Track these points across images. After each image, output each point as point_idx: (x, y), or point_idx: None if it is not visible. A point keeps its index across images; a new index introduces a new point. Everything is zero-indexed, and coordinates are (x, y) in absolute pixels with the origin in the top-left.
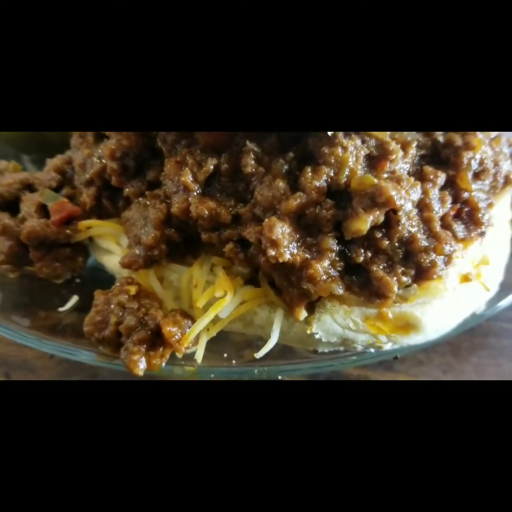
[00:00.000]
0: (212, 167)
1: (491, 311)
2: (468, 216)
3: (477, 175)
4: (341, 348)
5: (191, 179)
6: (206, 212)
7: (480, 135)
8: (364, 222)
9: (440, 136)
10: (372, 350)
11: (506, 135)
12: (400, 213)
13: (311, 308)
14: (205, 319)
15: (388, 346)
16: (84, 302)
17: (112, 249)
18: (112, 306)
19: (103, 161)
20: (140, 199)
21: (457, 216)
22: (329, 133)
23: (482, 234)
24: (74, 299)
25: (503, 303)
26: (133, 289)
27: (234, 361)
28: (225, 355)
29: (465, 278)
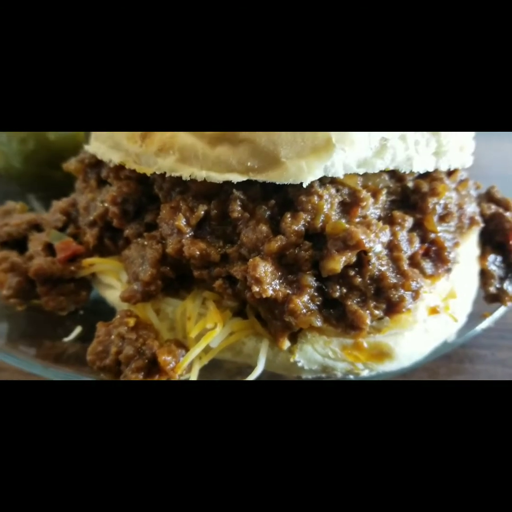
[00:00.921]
0: (203, 212)
1: (462, 340)
2: (436, 254)
3: (442, 218)
4: (323, 375)
5: (184, 223)
6: (198, 252)
7: (446, 180)
8: (338, 262)
9: (410, 182)
10: (351, 376)
11: (473, 179)
12: (370, 254)
13: (293, 339)
14: (197, 348)
15: (365, 373)
16: (87, 332)
17: (113, 284)
18: (113, 337)
19: (106, 205)
20: (139, 239)
21: (426, 254)
22: (304, 184)
23: (448, 270)
24: (78, 329)
25: (473, 331)
26: (132, 321)
27: None
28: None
29: (434, 311)
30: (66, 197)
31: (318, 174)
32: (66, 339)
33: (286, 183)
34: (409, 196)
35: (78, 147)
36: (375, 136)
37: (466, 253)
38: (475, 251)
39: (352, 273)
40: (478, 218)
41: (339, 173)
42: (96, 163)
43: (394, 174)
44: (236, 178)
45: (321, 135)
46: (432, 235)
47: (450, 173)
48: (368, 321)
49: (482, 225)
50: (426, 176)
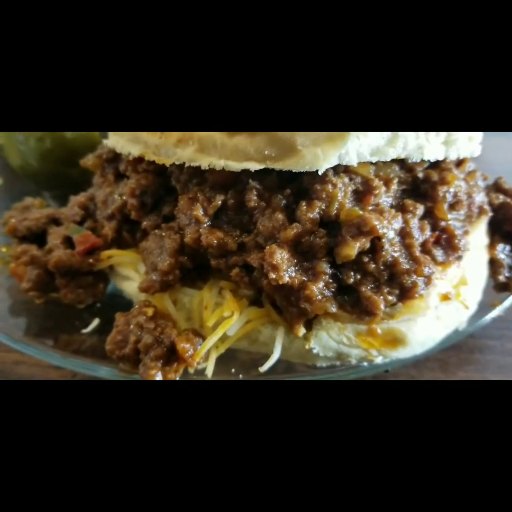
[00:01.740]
0: (220, 202)
1: (473, 328)
2: (446, 242)
3: (452, 206)
4: (338, 363)
5: (202, 213)
6: (215, 242)
7: (455, 171)
8: (352, 248)
9: (420, 173)
10: (365, 363)
11: (481, 170)
12: (383, 240)
13: (309, 325)
14: (215, 336)
15: (379, 360)
16: (104, 324)
17: (131, 276)
18: (132, 326)
19: (124, 198)
20: (156, 231)
21: (437, 242)
22: (320, 171)
23: (459, 258)
24: (95, 322)
25: (483, 320)
26: (150, 311)
27: (241, 376)
28: (233, 370)
29: (445, 297)
30: (83, 192)
31: (333, 161)
32: (84, 331)
33: (302, 170)
34: (419, 185)
35: (94, 145)
36: None
37: (476, 242)
38: (484, 240)
39: (365, 259)
40: (486, 207)
41: (353, 161)
42: (114, 158)
43: (404, 165)
44: (254, 166)
45: None
46: (443, 223)
47: (459, 163)
48: (381, 306)
49: (490, 214)
50: (435, 166)
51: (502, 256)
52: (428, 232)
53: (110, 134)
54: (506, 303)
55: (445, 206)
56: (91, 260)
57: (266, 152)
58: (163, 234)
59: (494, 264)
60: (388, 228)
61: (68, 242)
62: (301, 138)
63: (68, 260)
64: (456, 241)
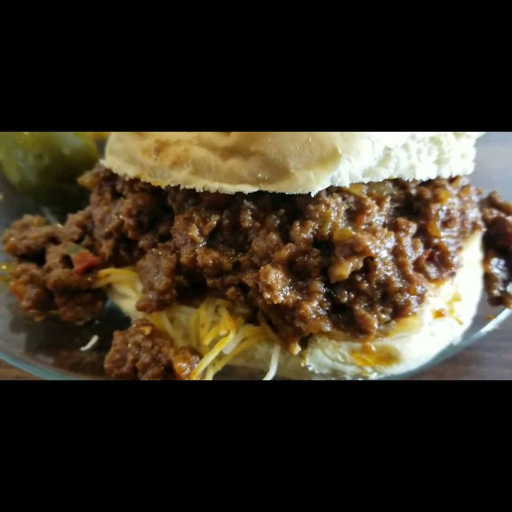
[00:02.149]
0: (215, 222)
1: (467, 342)
2: (439, 259)
3: (445, 223)
4: (333, 379)
5: (197, 233)
6: (211, 261)
7: (448, 187)
8: (345, 268)
9: (412, 189)
10: (360, 380)
11: (474, 185)
12: (376, 260)
13: (304, 344)
14: (211, 355)
15: (373, 376)
16: (102, 341)
17: (128, 294)
18: (129, 345)
19: (121, 217)
20: (153, 250)
21: (430, 259)
22: (312, 194)
23: (452, 274)
24: (94, 339)
25: (478, 334)
26: (147, 330)
27: None
28: None
29: (439, 314)
30: (81, 210)
31: (325, 184)
32: (83, 349)
33: (295, 193)
34: (412, 203)
35: (93, 162)
36: (379, 146)
37: (470, 257)
38: (478, 255)
39: (359, 278)
40: (480, 222)
41: (345, 183)
42: (111, 177)
43: (398, 182)
44: (248, 189)
45: (328, 146)
46: (436, 240)
47: (452, 180)
48: (375, 325)
49: (484, 229)
50: (428, 183)
51: (496, 270)
52: (421, 250)
53: (107, 153)
54: (501, 317)
55: (438, 223)
56: (89, 279)
57: (259, 175)
58: (160, 253)
59: (488, 279)
60: (381, 247)
61: (67, 260)
62: (293, 161)
63: (66, 279)
64: (449, 258)
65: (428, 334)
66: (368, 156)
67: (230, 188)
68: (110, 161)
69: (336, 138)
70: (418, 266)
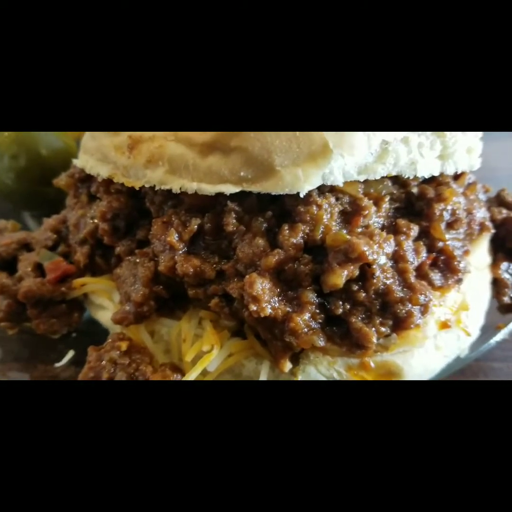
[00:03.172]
0: (196, 226)
1: (475, 354)
2: (444, 264)
3: (450, 225)
4: None
5: (177, 238)
6: (191, 270)
7: (453, 185)
8: (340, 276)
9: (414, 188)
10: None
11: (481, 182)
12: (374, 267)
13: (295, 360)
14: (194, 373)
15: None
16: (80, 355)
17: (105, 305)
18: (104, 362)
19: (95, 221)
20: (130, 257)
21: (434, 264)
22: (301, 194)
23: (459, 281)
24: (70, 353)
25: (487, 345)
26: (124, 345)
27: None
28: None
29: (444, 325)
30: (56, 215)
31: (315, 182)
32: (58, 365)
33: (282, 193)
34: (413, 202)
35: (71, 163)
36: (376, 140)
37: (477, 262)
38: (487, 259)
39: (355, 287)
40: (488, 223)
41: (338, 181)
42: (87, 178)
43: (397, 180)
44: (229, 189)
45: (318, 140)
46: (440, 244)
47: (457, 176)
48: (374, 339)
49: (493, 231)
50: (431, 180)
51: (506, 275)
52: (424, 254)
53: (80, 153)
54: (511, 326)
55: (443, 225)
56: (63, 289)
57: (242, 174)
58: (137, 260)
59: (497, 284)
60: (379, 253)
61: (40, 269)
62: (279, 157)
63: (38, 290)
64: (455, 262)
65: (433, 347)
66: (364, 151)
67: (209, 189)
68: (83, 161)
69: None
70: (420, 273)
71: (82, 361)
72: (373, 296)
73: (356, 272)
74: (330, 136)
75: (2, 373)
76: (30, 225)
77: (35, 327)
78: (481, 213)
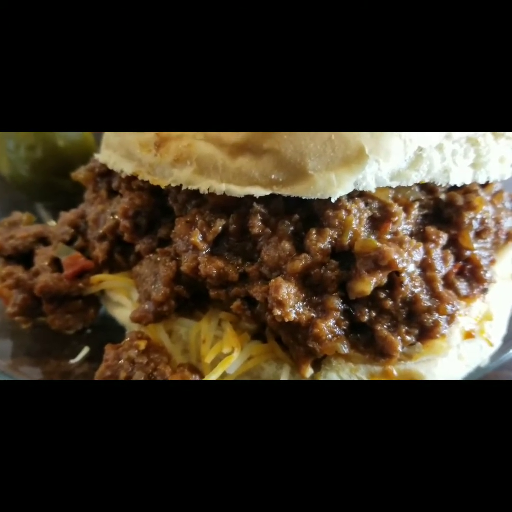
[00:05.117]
0: (220, 227)
1: (496, 364)
2: (471, 273)
3: (478, 234)
4: None
5: (200, 239)
6: (214, 271)
7: (481, 193)
8: (368, 284)
9: (442, 194)
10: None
11: (508, 190)
12: (403, 275)
13: (317, 365)
14: (213, 375)
15: None
16: (94, 351)
17: (123, 303)
18: (122, 361)
19: (116, 217)
20: (151, 255)
21: (460, 273)
22: (333, 199)
23: (484, 290)
24: (85, 350)
25: (508, 355)
26: (142, 344)
27: None
28: None
29: (468, 335)
30: (75, 208)
31: (348, 188)
32: (72, 361)
33: (313, 197)
34: (442, 209)
35: (88, 155)
36: (412, 146)
37: (502, 271)
38: (511, 269)
39: (382, 295)
40: None
41: (371, 187)
42: (107, 172)
43: (425, 186)
44: (259, 192)
45: (353, 144)
46: (468, 253)
47: (484, 184)
48: (399, 348)
49: None
50: (459, 187)
51: None
52: (451, 263)
53: (102, 147)
54: None
55: (471, 234)
56: (80, 285)
57: (273, 176)
58: (158, 259)
59: None
60: (408, 261)
61: (56, 263)
62: (312, 161)
63: (55, 285)
64: (482, 272)
65: (456, 357)
66: (399, 157)
67: (238, 191)
68: (106, 156)
69: (362, 135)
70: (447, 282)
71: (96, 357)
72: (400, 304)
73: (385, 280)
74: (366, 141)
75: (14, 368)
76: (43, 217)
77: (50, 323)
78: (508, 223)
